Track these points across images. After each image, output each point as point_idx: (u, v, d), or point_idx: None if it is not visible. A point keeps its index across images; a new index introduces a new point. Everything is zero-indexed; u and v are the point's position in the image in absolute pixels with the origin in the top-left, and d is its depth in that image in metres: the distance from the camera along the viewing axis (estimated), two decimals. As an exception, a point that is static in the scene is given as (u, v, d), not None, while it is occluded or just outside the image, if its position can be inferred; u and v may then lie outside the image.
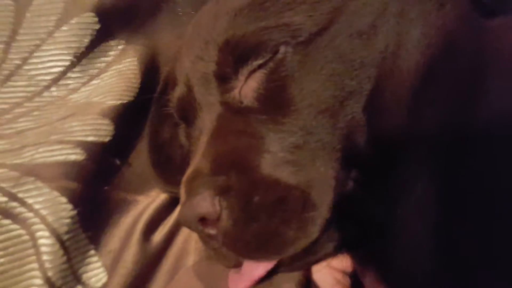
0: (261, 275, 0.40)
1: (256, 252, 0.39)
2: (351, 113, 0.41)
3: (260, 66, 0.42)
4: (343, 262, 0.47)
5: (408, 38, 0.42)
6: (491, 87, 0.39)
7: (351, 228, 0.42)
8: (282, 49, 0.41)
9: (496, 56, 0.41)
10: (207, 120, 0.45)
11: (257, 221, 0.37)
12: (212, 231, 0.38)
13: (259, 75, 0.42)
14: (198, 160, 0.41)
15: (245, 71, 0.43)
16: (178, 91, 0.49)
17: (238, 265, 0.42)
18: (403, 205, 0.39)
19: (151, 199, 0.52)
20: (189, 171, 0.41)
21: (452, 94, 0.39)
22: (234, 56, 0.43)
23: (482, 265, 0.34)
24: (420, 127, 0.39)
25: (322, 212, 0.39)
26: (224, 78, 0.44)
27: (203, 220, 0.38)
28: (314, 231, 0.38)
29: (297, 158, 0.40)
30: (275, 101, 0.42)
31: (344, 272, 0.48)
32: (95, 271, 0.45)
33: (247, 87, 0.43)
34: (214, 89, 0.45)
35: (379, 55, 0.42)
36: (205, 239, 0.41)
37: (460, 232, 0.35)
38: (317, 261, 0.45)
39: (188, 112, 0.48)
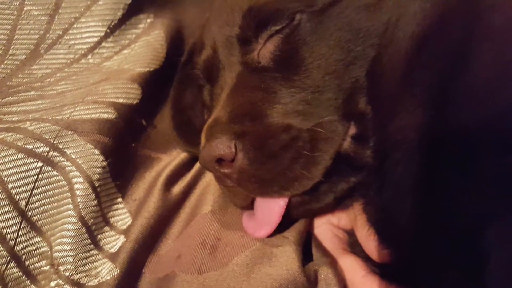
0: (279, 220, 0.45)
1: (266, 188, 0.44)
2: (355, 76, 0.46)
3: (277, 31, 0.47)
4: (340, 220, 0.52)
5: (407, 12, 0.45)
6: (477, 57, 0.41)
7: (349, 182, 0.46)
8: (297, 16, 0.47)
9: (488, 30, 0.44)
10: (228, 78, 0.50)
11: (268, 160, 0.43)
12: (227, 171, 0.44)
13: (276, 39, 0.48)
14: (218, 111, 0.47)
15: (264, 35, 0.48)
16: (205, 54, 0.55)
17: (247, 205, 0.47)
18: (391, 158, 0.43)
19: (172, 158, 0.58)
20: (209, 120, 0.47)
21: (442, 60, 0.43)
22: (255, 22, 0.48)
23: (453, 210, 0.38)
24: (411, 89, 0.43)
25: (325, 157, 0.44)
26: (245, 41, 0.49)
27: (220, 161, 0.43)
28: (318, 171, 0.44)
29: (306, 110, 0.45)
30: (288, 62, 0.47)
31: (341, 228, 0.53)
32: (121, 216, 0.51)
33: (265, 49, 0.48)
34: (236, 51, 0.51)
35: (382, 26, 0.46)
36: (221, 178, 0.46)
37: (438, 183, 0.39)
38: (321, 211, 0.50)
39: (212, 72, 0.54)
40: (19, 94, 0.53)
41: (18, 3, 0.57)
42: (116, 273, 0.46)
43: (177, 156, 0.57)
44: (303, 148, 0.43)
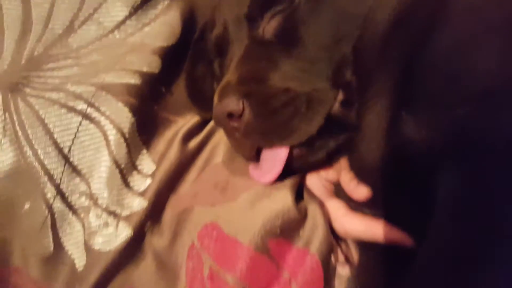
0: (281, 167, 0.54)
1: (268, 138, 0.53)
2: (343, 51, 0.54)
3: (280, 11, 0.56)
4: (328, 173, 0.61)
5: None
6: (439, 35, 0.49)
7: (338, 139, 0.56)
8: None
9: (450, 13, 0.50)
10: (237, 50, 0.59)
11: (271, 115, 0.52)
12: (236, 125, 0.53)
13: (278, 18, 0.56)
14: (228, 76, 0.56)
15: (268, 14, 0.57)
16: (216, 31, 0.64)
17: (253, 157, 0.56)
18: (368, 118, 0.52)
19: (187, 120, 0.66)
20: (221, 83, 0.56)
21: (411, 39, 0.50)
22: (261, 3, 0.57)
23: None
24: (385, 63, 0.51)
25: (319, 116, 0.53)
26: (252, 19, 0.58)
27: (230, 116, 0.53)
28: (312, 126, 0.53)
29: (303, 77, 0.54)
30: (288, 37, 0.56)
31: (329, 181, 0.61)
32: (147, 163, 0.60)
33: (269, 26, 0.57)
34: (244, 28, 0.59)
35: (366, 10, 0.54)
36: (231, 131, 0.55)
37: (401, 133, 0.48)
38: (315, 164, 0.58)
39: (223, 46, 0.63)
40: (59, 62, 0.62)
41: None
42: (144, 205, 0.57)
43: (191, 119, 0.66)
44: (300, 107, 0.52)
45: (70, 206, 0.57)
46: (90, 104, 0.58)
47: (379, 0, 0.54)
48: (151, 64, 0.64)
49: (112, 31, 0.66)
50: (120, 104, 0.59)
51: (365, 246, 0.57)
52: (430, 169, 0.44)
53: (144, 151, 0.61)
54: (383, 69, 0.52)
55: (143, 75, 0.62)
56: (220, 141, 0.65)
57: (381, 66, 0.52)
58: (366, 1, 0.55)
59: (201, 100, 0.68)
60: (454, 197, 0.42)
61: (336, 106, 0.55)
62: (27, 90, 0.58)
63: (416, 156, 0.47)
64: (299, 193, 0.60)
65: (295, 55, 0.55)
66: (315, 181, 0.61)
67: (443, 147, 0.45)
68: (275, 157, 0.55)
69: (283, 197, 0.55)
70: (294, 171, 0.59)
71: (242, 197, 0.56)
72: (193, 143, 0.63)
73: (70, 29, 0.65)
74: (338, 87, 0.55)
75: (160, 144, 0.62)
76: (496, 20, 0.48)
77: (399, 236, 0.51)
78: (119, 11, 0.66)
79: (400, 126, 0.49)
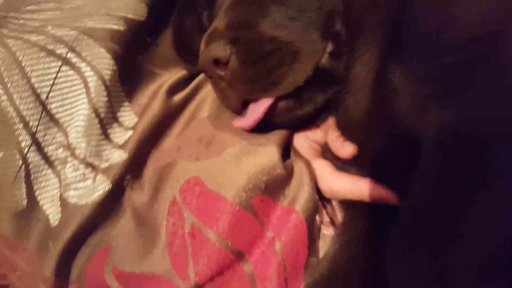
0: (262, 115, 0.53)
1: (254, 88, 0.52)
2: (333, 2, 0.53)
3: None
4: (316, 135, 0.60)
5: None
6: None
7: (327, 93, 0.54)
8: None
9: None
10: None
11: (257, 63, 0.50)
12: (222, 73, 0.51)
13: None
14: (216, 22, 0.54)
15: None
16: None
17: (239, 109, 0.55)
18: (357, 66, 0.51)
19: (173, 74, 0.64)
20: (209, 30, 0.54)
21: None
22: None
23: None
24: (374, 12, 0.51)
25: (307, 66, 0.52)
26: None
27: (216, 62, 0.51)
28: (299, 77, 0.51)
29: (292, 25, 0.52)
30: None
31: (316, 142, 0.60)
32: (128, 116, 0.58)
33: None
34: None
35: None
36: (216, 80, 0.53)
37: (387, 86, 0.48)
38: (302, 118, 0.57)
39: None
40: (40, 5, 0.59)
41: None
42: (124, 157, 0.54)
43: (176, 72, 0.64)
44: (286, 56, 0.51)
45: (46, 158, 0.54)
46: (71, 48, 0.55)
47: None
48: (137, 11, 0.61)
49: (97, -24, 0.63)
50: (103, 50, 0.56)
51: (349, 206, 0.56)
52: (416, 122, 0.44)
53: (126, 103, 0.59)
54: (372, 19, 0.51)
55: (128, 21, 0.59)
56: (206, 96, 0.62)
57: (370, 16, 0.52)
58: None
59: (188, 54, 0.65)
60: (437, 152, 0.41)
61: (325, 58, 0.54)
62: (4, 31, 0.55)
63: (402, 108, 0.47)
64: (286, 152, 0.58)
65: (285, 2, 0.54)
66: (302, 142, 0.60)
67: (429, 97, 0.44)
68: (259, 105, 0.53)
69: (269, 153, 0.54)
70: (281, 125, 0.57)
71: (227, 152, 0.54)
72: (178, 97, 0.61)
73: (52, -29, 0.61)
74: (327, 38, 0.54)
75: (143, 96, 0.60)
76: None
77: (384, 193, 0.51)
78: None
79: (388, 76, 0.48)
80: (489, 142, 0.36)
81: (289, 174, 0.54)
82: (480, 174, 0.35)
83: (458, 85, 0.42)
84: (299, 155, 0.58)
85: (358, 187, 0.52)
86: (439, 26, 0.45)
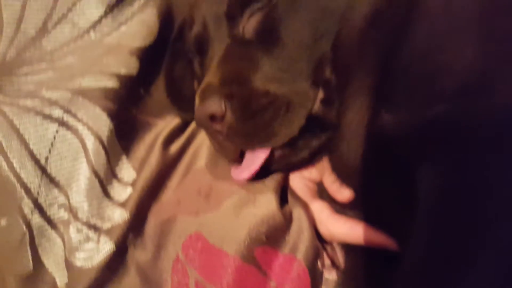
0: (258, 167, 0.54)
1: (250, 141, 0.53)
2: (322, 49, 0.54)
3: (258, 9, 0.55)
4: (311, 173, 0.61)
5: None
6: (415, 32, 0.50)
7: (321, 139, 0.55)
8: None
9: (424, 10, 0.51)
10: (217, 49, 0.58)
11: (253, 117, 0.52)
12: (218, 127, 0.52)
13: (258, 16, 0.56)
14: (209, 76, 0.55)
15: (247, 12, 0.56)
16: (196, 29, 0.63)
17: (236, 159, 0.56)
18: (348, 116, 0.52)
19: (167, 122, 0.65)
20: (202, 84, 0.55)
21: (387, 36, 0.51)
22: (240, 1, 0.56)
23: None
24: (364, 59, 0.52)
25: (300, 116, 0.53)
26: (232, 17, 0.57)
27: (212, 118, 0.52)
28: (293, 128, 0.53)
29: (283, 77, 0.53)
30: (268, 36, 0.55)
31: (312, 181, 0.61)
32: (127, 171, 0.58)
33: (249, 25, 0.56)
34: (224, 26, 0.58)
35: (343, 7, 0.54)
36: (213, 134, 0.55)
37: (380, 132, 0.49)
38: (298, 164, 0.58)
39: (203, 45, 0.61)
40: (33, 66, 0.60)
41: None
42: (126, 217, 0.55)
43: (171, 121, 0.65)
44: (280, 109, 0.52)
45: (48, 220, 0.55)
46: (67, 111, 0.56)
47: None
48: (129, 65, 0.62)
49: (87, 31, 0.64)
50: (98, 110, 0.57)
51: (350, 249, 0.57)
52: (410, 168, 0.45)
53: (124, 157, 0.60)
54: (361, 66, 0.52)
55: (121, 77, 0.60)
56: (202, 144, 0.63)
57: (360, 63, 0.53)
58: None
59: (181, 100, 0.67)
60: (434, 197, 0.43)
61: (317, 105, 0.55)
62: (0, 97, 0.56)
63: (397, 154, 0.48)
64: (283, 194, 0.59)
65: (275, 54, 0.55)
66: (298, 182, 0.61)
67: (422, 145, 0.45)
68: (256, 157, 0.55)
69: (267, 202, 0.55)
70: (277, 171, 0.58)
71: (225, 204, 0.55)
72: (174, 147, 0.62)
73: (43, 30, 0.62)
74: (318, 85, 0.55)
75: (140, 149, 0.61)
76: (468, 15, 0.48)
77: (382, 239, 0.52)
78: (94, 10, 0.64)
79: (380, 124, 0.49)
80: (485, 205, 0.38)
81: (288, 221, 0.55)
82: (475, 245, 0.37)
83: (449, 138, 0.43)
84: (296, 197, 0.59)
85: (356, 232, 0.53)
86: (428, 75, 0.46)
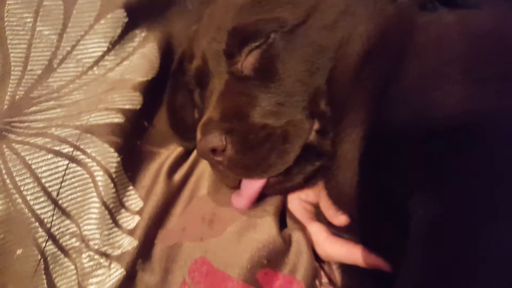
0: (256, 195, 0.57)
1: (249, 172, 0.57)
2: (317, 83, 0.57)
3: (256, 47, 0.58)
4: (308, 195, 0.64)
5: (355, 32, 0.57)
6: (407, 69, 0.52)
7: (315, 165, 0.59)
8: (272, 35, 0.58)
9: (416, 47, 0.54)
10: (217, 84, 0.61)
11: (251, 150, 0.55)
12: (219, 159, 0.56)
13: (255, 53, 0.59)
14: (210, 112, 0.58)
15: (246, 50, 0.59)
16: (196, 63, 0.66)
17: (236, 186, 0.59)
18: (344, 147, 0.55)
19: (170, 151, 0.69)
20: (203, 119, 0.58)
21: (381, 72, 0.53)
22: (239, 39, 0.59)
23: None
24: (358, 94, 0.54)
25: (295, 146, 0.56)
26: (230, 54, 0.60)
27: (213, 151, 0.55)
28: (289, 158, 0.56)
29: (280, 111, 0.57)
30: (265, 72, 0.58)
31: (309, 202, 0.65)
32: (134, 200, 0.62)
33: (247, 62, 0.59)
34: (223, 62, 0.61)
35: (338, 43, 0.57)
36: (215, 165, 0.58)
37: (376, 164, 0.51)
38: (293, 188, 0.62)
39: (203, 78, 0.65)
40: (41, 104, 0.63)
41: (30, 25, 0.65)
42: (135, 244, 0.59)
43: (174, 150, 0.68)
44: (277, 142, 0.55)
45: (61, 248, 0.59)
46: (76, 147, 0.60)
47: (348, 33, 0.57)
48: (133, 100, 0.66)
49: (91, 67, 0.67)
50: (106, 145, 0.61)
51: (346, 268, 0.61)
52: (403, 198, 0.47)
53: (131, 187, 0.63)
54: (355, 100, 0.55)
55: (125, 112, 0.64)
56: (204, 172, 0.67)
57: (354, 97, 0.55)
58: (336, 34, 0.57)
59: (182, 130, 0.70)
60: (426, 229, 0.45)
61: (313, 135, 0.58)
62: (12, 136, 0.59)
63: (389, 185, 0.50)
64: (282, 217, 0.63)
65: (272, 89, 0.58)
66: (296, 204, 0.65)
67: (413, 179, 0.48)
68: (253, 185, 0.58)
69: (267, 227, 0.59)
70: (272, 195, 0.62)
71: (228, 230, 0.59)
72: (178, 176, 0.66)
73: (49, 68, 0.66)
74: (314, 117, 0.58)
75: (145, 178, 0.65)
76: (457, 55, 0.51)
77: (377, 261, 0.55)
78: (97, 47, 0.67)
79: (374, 156, 0.52)
80: (474, 234, 0.41)
81: (287, 244, 0.59)
82: (464, 275, 0.39)
83: (440, 173, 0.45)
84: (295, 220, 0.63)
85: (352, 254, 0.56)
86: (420, 112, 0.49)
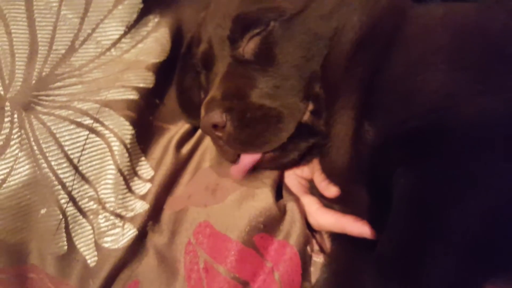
0: (250, 167, 0.63)
1: (247, 147, 0.62)
2: (313, 69, 0.62)
3: (257, 34, 0.64)
4: (303, 171, 0.70)
5: (349, 21, 0.62)
6: (395, 57, 0.57)
7: (309, 142, 0.64)
8: (272, 23, 0.63)
9: (404, 37, 0.59)
10: (220, 67, 0.67)
11: (248, 127, 0.60)
12: (220, 134, 0.62)
13: (256, 40, 0.64)
14: (213, 91, 0.64)
15: (247, 36, 0.64)
16: (202, 47, 0.72)
17: (234, 160, 0.65)
18: (336, 127, 0.61)
19: (179, 128, 0.75)
20: (207, 97, 0.64)
21: (371, 59, 0.58)
22: (241, 26, 0.64)
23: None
24: (349, 79, 0.60)
25: (289, 126, 0.61)
26: (234, 40, 0.65)
27: (215, 126, 0.61)
28: (283, 136, 0.61)
29: (276, 93, 0.62)
30: (265, 57, 0.63)
31: (304, 178, 0.71)
32: (146, 169, 0.69)
33: (248, 47, 0.65)
34: (226, 47, 0.67)
35: (332, 31, 0.62)
36: (216, 139, 0.64)
37: (364, 139, 0.57)
38: (288, 164, 0.67)
39: (208, 61, 0.70)
40: (65, 80, 0.69)
41: (56, 9, 0.71)
42: (146, 207, 0.66)
43: (182, 126, 0.75)
44: (272, 121, 0.61)
45: (80, 210, 0.66)
46: (96, 120, 0.66)
47: (342, 22, 0.63)
48: (146, 80, 0.72)
49: (109, 49, 0.73)
50: (122, 119, 0.67)
51: (336, 237, 0.67)
52: (388, 171, 0.53)
53: (143, 158, 0.70)
54: (347, 84, 0.60)
55: (140, 90, 0.70)
56: (208, 147, 0.74)
57: (346, 81, 0.60)
58: (331, 23, 0.63)
59: (190, 109, 0.76)
60: (406, 197, 0.52)
61: (307, 115, 0.63)
62: (39, 108, 0.66)
63: (376, 160, 0.56)
64: (279, 190, 0.69)
65: (270, 73, 0.63)
66: (292, 179, 0.71)
67: (398, 153, 0.54)
68: (249, 158, 0.64)
69: (265, 197, 0.65)
70: (267, 169, 0.68)
71: (229, 198, 0.65)
72: (185, 149, 0.72)
73: (72, 49, 0.72)
74: (309, 99, 0.63)
75: (156, 151, 0.71)
76: (440, 46, 0.56)
77: (363, 229, 0.61)
78: (115, 30, 0.73)
79: (363, 135, 0.58)
80: (445, 198, 0.48)
81: (282, 212, 0.65)
82: (438, 228, 0.47)
83: (419, 149, 0.52)
84: (290, 192, 0.69)
85: (341, 223, 0.62)
86: (403, 96, 0.54)
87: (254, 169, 0.65)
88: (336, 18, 0.63)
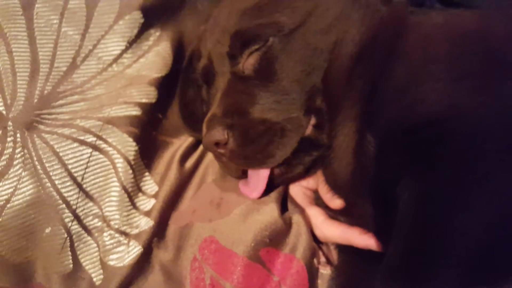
0: (264, 186, 0.63)
1: (249, 162, 0.62)
2: (313, 82, 0.62)
3: (256, 50, 0.63)
4: (308, 182, 0.70)
5: (348, 34, 0.62)
6: (396, 67, 0.57)
7: (312, 156, 0.64)
8: (271, 39, 0.63)
9: (405, 47, 0.59)
10: (221, 83, 0.67)
11: (252, 143, 0.60)
12: (222, 151, 0.61)
13: (255, 55, 0.64)
14: (214, 108, 0.64)
15: (246, 52, 0.64)
16: (202, 62, 0.72)
17: (238, 176, 0.65)
18: (338, 139, 0.61)
19: (182, 141, 0.75)
20: (208, 114, 0.64)
21: (371, 71, 0.58)
22: (240, 42, 0.64)
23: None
24: (351, 91, 0.60)
25: (292, 140, 0.61)
26: (233, 56, 0.65)
27: (217, 144, 0.61)
28: (286, 150, 0.61)
29: (278, 108, 0.62)
30: (265, 72, 0.63)
31: (309, 189, 0.71)
32: (150, 185, 0.69)
33: (248, 63, 0.65)
34: (226, 63, 0.67)
35: (332, 45, 0.62)
36: (218, 156, 0.64)
37: (367, 153, 0.57)
38: (295, 178, 0.67)
39: (209, 77, 0.70)
40: (67, 98, 0.69)
41: (56, 26, 0.71)
42: (151, 224, 0.66)
43: (185, 140, 0.75)
44: (274, 136, 0.61)
45: (85, 228, 0.66)
46: (99, 137, 0.66)
47: (341, 36, 0.62)
48: (149, 95, 0.72)
49: (111, 64, 0.73)
50: (125, 135, 0.67)
51: (342, 249, 0.67)
52: (391, 183, 0.53)
53: (147, 173, 0.70)
54: (349, 96, 0.60)
55: (142, 106, 0.70)
56: (212, 161, 0.73)
57: (347, 94, 0.60)
58: (330, 37, 0.62)
59: (193, 122, 0.76)
60: (411, 211, 0.51)
61: (310, 129, 0.63)
62: (41, 127, 0.66)
63: (379, 172, 0.56)
64: (284, 202, 0.69)
65: (271, 88, 0.63)
66: (297, 190, 0.71)
67: (400, 166, 0.53)
68: (259, 176, 0.64)
69: (270, 210, 0.65)
70: (277, 185, 0.68)
71: (234, 212, 0.65)
72: (189, 163, 0.72)
73: (73, 65, 0.71)
74: (311, 113, 0.63)
75: (160, 165, 0.71)
76: (440, 56, 0.56)
77: (368, 241, 0.60)
78: (116, 46, 0.73)
79: (366, 146, 0.57)
80: (449, 208, 0.48)
81: (288, 225, 0.65)
82: (444, 239, 0.47)
83: (422, 160, 0.51)
84: (295, 204, 0.69)
85: (347, 235, 0.62)
86: (405, 107, 0.54)
87: (268, 187, 0.64)
88: (335, 31, 0.63)
